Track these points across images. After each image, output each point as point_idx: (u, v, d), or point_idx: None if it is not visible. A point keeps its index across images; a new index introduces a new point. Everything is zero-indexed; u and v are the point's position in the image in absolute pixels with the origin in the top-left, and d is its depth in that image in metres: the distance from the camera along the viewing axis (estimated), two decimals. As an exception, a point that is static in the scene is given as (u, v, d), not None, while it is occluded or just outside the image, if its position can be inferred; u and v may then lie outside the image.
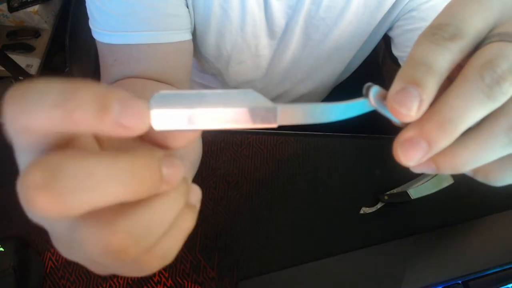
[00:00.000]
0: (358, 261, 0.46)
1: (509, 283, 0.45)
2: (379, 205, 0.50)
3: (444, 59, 0.17)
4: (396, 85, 0.17)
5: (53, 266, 0.46)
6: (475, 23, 0.18)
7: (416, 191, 0.50)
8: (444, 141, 0.17)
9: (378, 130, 0.53)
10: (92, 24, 0.45)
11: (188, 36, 0.47)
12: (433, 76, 0.17)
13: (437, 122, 0.17)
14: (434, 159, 0.18)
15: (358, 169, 0.52)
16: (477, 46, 0.18)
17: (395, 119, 0.18)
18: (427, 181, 0.51)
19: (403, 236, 0.48)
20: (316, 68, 0.61)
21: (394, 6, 0.50)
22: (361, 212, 0.49)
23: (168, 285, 0.45)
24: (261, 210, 0.49)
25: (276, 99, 0.69)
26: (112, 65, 0.45)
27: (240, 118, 0.16)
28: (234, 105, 0.16)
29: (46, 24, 1.47)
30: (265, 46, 0.55)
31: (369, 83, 0.18)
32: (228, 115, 0.16)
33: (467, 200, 0.51)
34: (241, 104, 0.16)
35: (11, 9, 1.36)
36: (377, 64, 0.84)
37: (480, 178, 0.20)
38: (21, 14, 1.40)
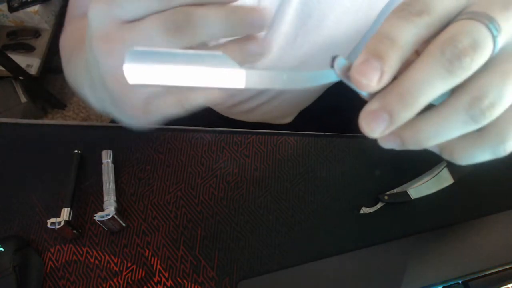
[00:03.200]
0: (358, 261, 0.46)
1: (509, 283, 0.45)
2: (379, 205, 0.50)
3: (408, 33, 0.18)
4: (360, 57, 0.18)
5: (53, 266, 0.46)
6: (445, 1, 0.18)
7: (416, 191, 0.50)
8: (405, 113, 0.17)
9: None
10: None
11: None
12: (396, 50, 0.18)
13: (397, 94, 0.17)
14: (398, 133, 0.19)
15: (358, 169, 0.52)
16: (447, 25, 0.19)
17: (359, 90, 0.18)
18: (427, 181, 0.51)
19: (403, 236, 0.48)
20: (310, 56, 0.59)
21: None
22: (361, 212, 0.49)
23: (168, 285, 0.45)
24: (261, 210, 0.49)
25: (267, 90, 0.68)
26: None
27: (209, 77, 0.17)
28: (205, 65, 0.16)
29: (46, 24, 1.47)
30: None
31: (336, 55, 0.19)
32: (198, 73, 0.16)
33: (467, 200, 0.51)
34: (211, 64, 0.16)
35: (11, 9, 1.36)
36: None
37: (445, 156, 0.21)
38: (21, 14, 1.40)
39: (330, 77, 0.19)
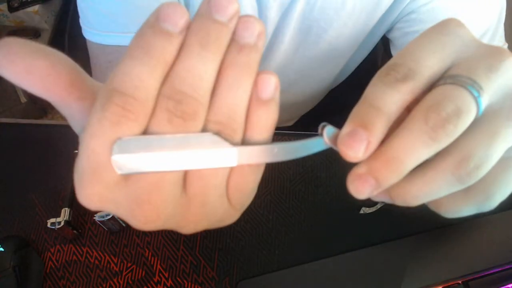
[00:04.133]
0: (358, 261, 0.46)
1: (509, 283, 0.45)
2: (379, 205, 0.50)
3: (394, 101, 0.18)
4: (346, 127, 0.18)
5: (53, 266, 0.46)
6: (430, 64, 0.18)
7: (416, 191, 0.50)
8: (391, 178, 0.18)
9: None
10: (83, 23, 0.44)
11: None
12: (382, 119, 0.18)
13: (383, 161, 0.17)
14: (388, 191, 0.19)
15: (358, 169, 0.52)
16: (433, 85, 0.19)
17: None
18: (427, 181, 0.51)
19: (403, 236, 0.48)
20: (309, 69, 0.60)
21: (392, 8, 0.50)
22: (361, 212, 0.49)
23: (168, 285, 0.45)
24: (261, 210, 0.49)
25: None
26: (107, 67, 0.45)
27: (200, 160, 0.17)
28: (194, 148, 0.16)
29: (46, 24, 1.46)
30: None
31: (324, 123, 0.19)
32: (187, 157, 0.16)
33: (467, 200, 0.51)
34: (200, 146, 0.17)
35: (11, 9, 1.36)
36: (376, 67, 0.84)
37: (432, 208, 0.21)
38: (21, 14, 1.40)
39: (319, 145, 0.19)
